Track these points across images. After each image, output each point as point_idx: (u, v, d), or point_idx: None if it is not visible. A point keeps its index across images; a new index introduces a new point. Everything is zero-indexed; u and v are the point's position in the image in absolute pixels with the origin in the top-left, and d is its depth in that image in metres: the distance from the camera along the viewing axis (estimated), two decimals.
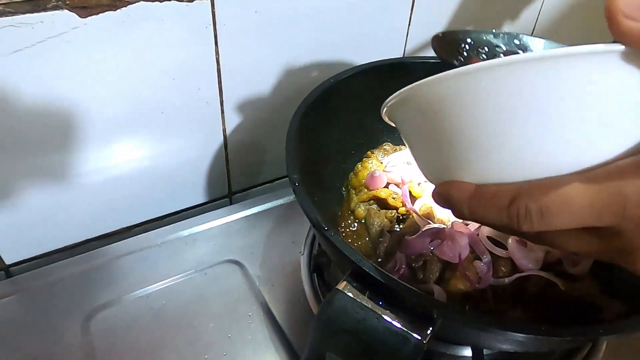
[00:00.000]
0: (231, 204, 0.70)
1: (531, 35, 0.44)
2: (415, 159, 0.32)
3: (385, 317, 0.35)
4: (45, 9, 0.44)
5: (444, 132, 0.27)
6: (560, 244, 0.27)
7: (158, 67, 0.52)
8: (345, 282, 0.37)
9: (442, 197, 0.29)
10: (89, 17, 0.46)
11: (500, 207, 0.25)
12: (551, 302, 0.45)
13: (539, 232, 0.25)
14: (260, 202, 0.66)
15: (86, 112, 0.51)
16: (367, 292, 0.37)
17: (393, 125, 0.33)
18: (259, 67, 0.59)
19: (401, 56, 0.71)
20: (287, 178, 0.52)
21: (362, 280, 0.37)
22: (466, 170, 0.27)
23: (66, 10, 0.44)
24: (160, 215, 0.66)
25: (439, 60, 0.62)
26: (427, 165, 0.31)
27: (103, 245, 0.59)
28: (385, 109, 0.31)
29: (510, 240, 0.49)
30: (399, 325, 0.35)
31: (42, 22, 0.44)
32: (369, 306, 0.36)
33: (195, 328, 0.50)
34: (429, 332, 0.35)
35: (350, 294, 0.36)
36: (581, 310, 0.45)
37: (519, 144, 0.25)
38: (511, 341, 0.36)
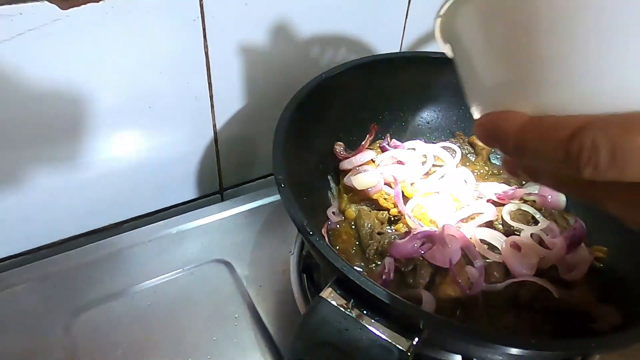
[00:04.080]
0: (223, 200, 0.69)
1: None
2: (466, 81, 0.27)
3: (369, 327, 0.34)
4: (25, 1, 0.42)
5: (510, 40, 0.22)
6: (615, 206, 0.22)
7: (145, 61, 0.51)
8: (329, 289, 0.36)
9: (487, 126, 0.24)
10: (71, 9, 0.44)
11: (557, 140, 0.20)
12: (544, 309, 0.44)
13: (593, 181, 0.20)
14: (252, 199, 0.64)
15: (70, 107, 0.49)
16: (352, 300, 0.35)
17: (444, 43, 0.28)
18: (250, 61, 0.57)
19: (397, 51, 0.69)
20: None
21: (346, 288, 0.35)
22: (529, 92, 0.22)
23: (46, 2, 0.43)
24: (150, 211, 0.64)
25: (436, 56, 0.60)
26: (479, 88, 0.26)
27: (90, 242, 0.58)
28: (444, 9, 0.26)
29: (504, 245, 0.47)
30: (383, 336, 0.33)
31: (21, 13, 0.42)
32: (353, 315, 0.34)
33: (180, 329, 0.49)
34: (414, 342, 0.34)
35: (334, 302, 0.35)
36: (575, 319, 0.43)
37: (614, 58, 0.20)
38: (501, 353, 0.35)
